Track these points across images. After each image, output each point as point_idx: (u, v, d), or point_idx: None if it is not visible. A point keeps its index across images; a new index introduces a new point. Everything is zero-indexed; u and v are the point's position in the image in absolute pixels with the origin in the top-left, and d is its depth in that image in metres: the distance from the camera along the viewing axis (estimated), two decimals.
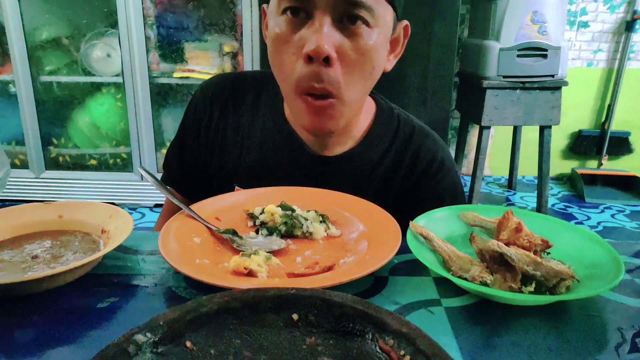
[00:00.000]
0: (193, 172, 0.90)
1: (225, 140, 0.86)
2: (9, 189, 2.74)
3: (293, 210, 0.67)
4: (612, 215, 2.88)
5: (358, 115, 0.81)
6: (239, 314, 0.40)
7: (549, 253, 0.58)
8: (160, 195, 2.72)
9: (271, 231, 0.65)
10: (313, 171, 0.81)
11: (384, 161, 0.82)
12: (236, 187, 0.83)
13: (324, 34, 0.65)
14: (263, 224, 0.67)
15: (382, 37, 0.70)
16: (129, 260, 0.61)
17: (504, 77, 2.51)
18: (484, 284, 0.52)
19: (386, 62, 0.76)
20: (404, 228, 0.61)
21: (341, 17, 0.66)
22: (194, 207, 0.68)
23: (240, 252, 0.57)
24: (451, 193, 0.83)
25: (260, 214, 0.67)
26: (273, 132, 0.83)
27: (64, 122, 2.79)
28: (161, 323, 0.38)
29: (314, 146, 0.82)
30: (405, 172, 0.82)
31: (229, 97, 0.87)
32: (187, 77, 2.63)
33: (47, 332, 0.46)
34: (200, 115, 0.88)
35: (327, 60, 0.66)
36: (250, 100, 0.86)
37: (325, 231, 0.66)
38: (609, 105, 3.35)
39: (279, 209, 0.67)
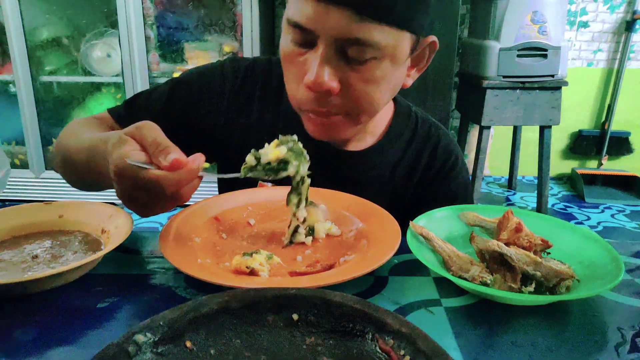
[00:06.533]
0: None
1: (246, 138, 0.83)
2: (9, 189, 2.74)
3: (295, 141, 0.62)
4: (612, 215, 2.88)
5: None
6: (239, 314, 0.40)
7: (549, 253, 0.58)
8: None
9: (278, 170, 0.61)
10: (334, 165, 0.81)
11: (404, 159, 0.84)
12: (259, 182, 0.82)
13: (324, 66, 0.63)
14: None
15: (394, 64, 0.67)
16: (129, 260, 0.61)
17: (504, 77, 2.51)
18: (484, 284, 0.52)
19: (405, 79, 0.73)
20: (405, 228, 0.61)
21: (344, 48, 0.63)
22: (193, 207, 0.68)
23: (242, 252, 0.57)
24: (463, 191, 0.85)
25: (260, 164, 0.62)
26: (295, 126, 0.80)
27: (64, 122, 2.79)
28: (161, 323, 0.38)
29: (335, 142, 0.82)
30: (423, 169, 0.84)
31: (254, 89, 0.84)
32: None
33: (47, 332, 0.46)
34: (224, 89, 0.83)
35: (328, 92, 0.65)
36: (274, 91, 0.84)
37: (327, 231, 0.66)
38: (609, 105, 3.35)
39: (283, 147, 0.61)
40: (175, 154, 0.52)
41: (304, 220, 0.64)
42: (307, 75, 0.64)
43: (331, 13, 0.60)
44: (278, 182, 0.77)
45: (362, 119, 0.71)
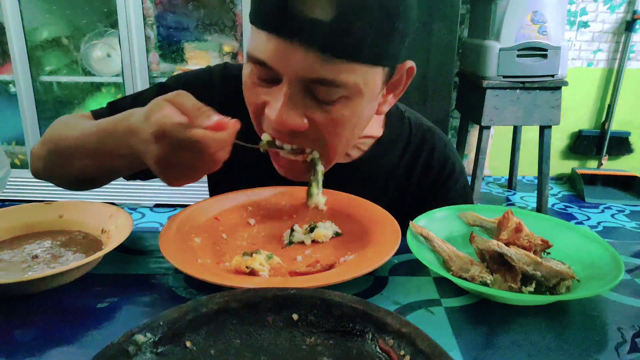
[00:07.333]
0: None
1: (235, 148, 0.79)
2: (9, 189, 2.74)
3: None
4: (612, 215, 2.88)
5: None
6: (239, 314, 0.40)
7: (549, 253, 0.58)
8: (159, 195, 2.72)
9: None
10: (325, 178, 0.75)
11: (397, 168, 0.81)
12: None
13: (288, 105, 0.59)
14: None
15: (365, 100, 0.63)
16: (129, 260, 0.61)
17: (504, 77, 2.51)
18: (484, 284, 0.52)
19: (378, 107, 0.69)
20: (405, 228, 0.61)
21: (310, 88, 0.59)
22: (193, 207, 0.68)
23: (242, 252, 0.57)
24: (463, 197, 0.84)
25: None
26: None
27: None
28: (161, 323, 0.38)
29: None
30: (419, 177, 0.82)
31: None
32: None
33: (47, 332, 0.46)
34: (212, 98, 0.74)
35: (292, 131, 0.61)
36: None
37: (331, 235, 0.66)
38: (609, 105, 3.35)
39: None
40: (218, 115, 0.52)
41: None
42: (269, 110, 0.61)
43: (295, 52, 0.56)
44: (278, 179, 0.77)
45: (329, 152, 0.67)
